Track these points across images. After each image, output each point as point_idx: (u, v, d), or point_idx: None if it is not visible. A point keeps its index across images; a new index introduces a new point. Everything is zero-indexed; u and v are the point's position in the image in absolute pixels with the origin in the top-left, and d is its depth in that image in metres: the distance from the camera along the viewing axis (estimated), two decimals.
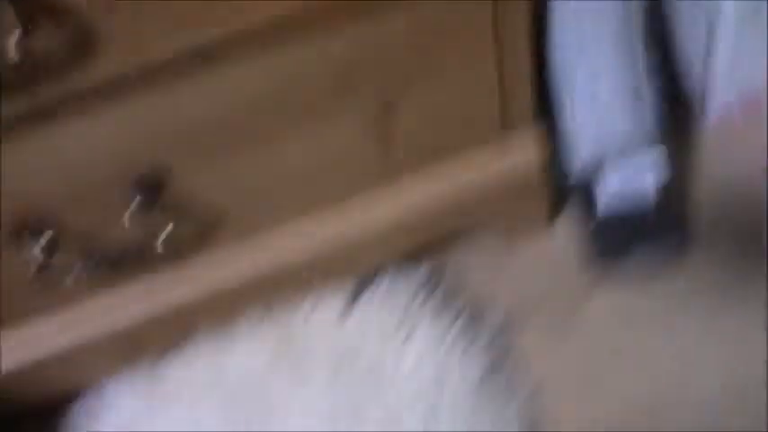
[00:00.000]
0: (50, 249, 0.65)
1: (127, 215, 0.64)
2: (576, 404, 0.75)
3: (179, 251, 0.72)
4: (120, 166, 0.64)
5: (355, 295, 0.78)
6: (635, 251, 0.79)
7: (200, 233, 0.71)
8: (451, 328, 0.77)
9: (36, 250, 0.64)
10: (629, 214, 0.77)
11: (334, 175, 0.72)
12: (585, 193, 0.77)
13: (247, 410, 0.75)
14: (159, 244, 0.67)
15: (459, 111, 0.71)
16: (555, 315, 0.79)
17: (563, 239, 0.82)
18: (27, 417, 0.76)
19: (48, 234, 0.64)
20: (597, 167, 0.76)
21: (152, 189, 0.65)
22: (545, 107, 0.76)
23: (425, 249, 0.81)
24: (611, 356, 0.77)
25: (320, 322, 0.77)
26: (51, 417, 0.77)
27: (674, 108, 0.81)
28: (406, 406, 0.74)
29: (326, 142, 0.69)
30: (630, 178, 0.76)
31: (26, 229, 0.64)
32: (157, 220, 0.67)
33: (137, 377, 0.78)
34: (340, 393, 0.74)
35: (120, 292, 0.74)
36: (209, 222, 0.71)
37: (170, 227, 0.67)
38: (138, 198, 0.64)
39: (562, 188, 0.81)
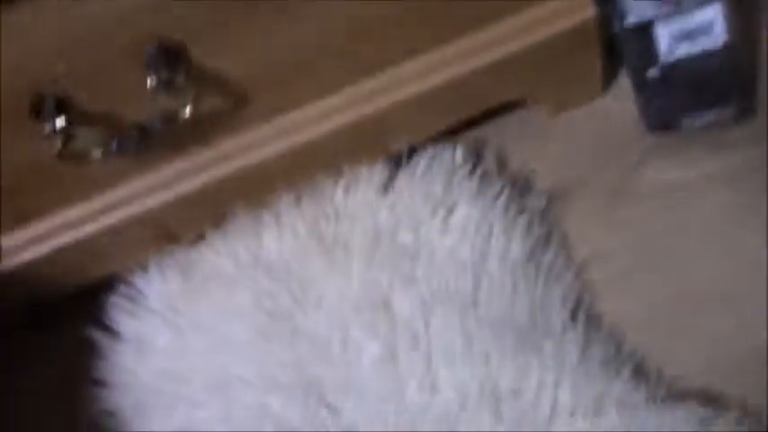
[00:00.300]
0: (71, 127, 0.62)
1: (146, 90, 0.61)
2: (622, 287, 0.72)
3: (207, 131, 0.70)
4: (131, 37, 0.60)
5: (391, 176, 0.75)
6: (692, 118, 0.73)
7: (227, 112, 0.69)
8: (492, 208, 0.73)
9: (56, 127, 0.62)
10: (687, 76, 0.70)
11: (366, 45, 0.67)
12: (640, 54, 0.71)
13: (282, 294, 0.73)
14: (184, 122, 0.64)
15: None
16: (603, 192, 0.75)
17: (614, 109, 0.77)
18: (63, 305, 0.76)
19: (67, 110, 0.62)
20: (654, 25, 0.69)
21: (170, 62, 0.62)
22: None
23: (465, 127, 0.76)
24: (663, 237, 0.73)
25: (355, 203, 0.74)
26: (88, 304, 0.76)
27: None
28: (443, 290, 0.71)
29: (356, 9, 0.64)
30: (691, 36, 0.69)
31: (43, 106, 0.62)
32: (180, 97, 0.64)
33: (172, 263, 0.76)
34: (376, 277, 0.72)
35: (150, 177, 0.72)
36: (236, 99, 0.68)
37: (193, 104, 0.64)
38: (154, 72, 0.61)
39: (614, 51, 0.74)
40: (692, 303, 0.70)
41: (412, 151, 0.75)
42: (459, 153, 0.76)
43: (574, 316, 0.71)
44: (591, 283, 0.73)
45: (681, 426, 0.63)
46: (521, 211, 0.74)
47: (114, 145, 0.64)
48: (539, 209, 0.75)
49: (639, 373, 0.68)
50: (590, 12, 0.70)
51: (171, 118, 0.64)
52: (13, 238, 0.72)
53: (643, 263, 0.73)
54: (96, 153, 0.65)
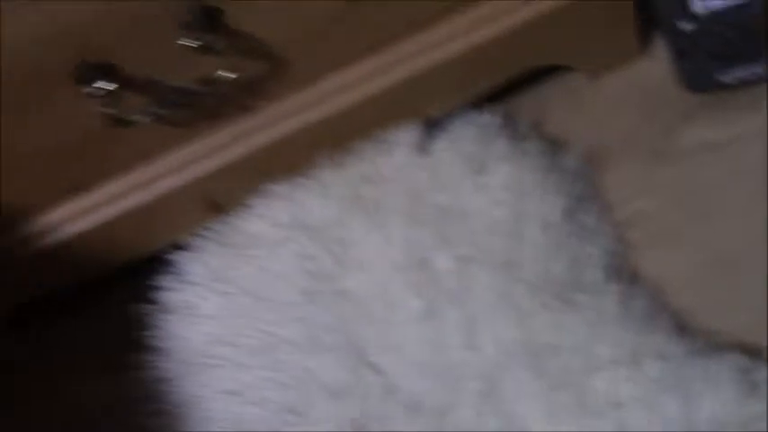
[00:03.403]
0: (115, 91, 0.64)
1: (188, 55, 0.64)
2: (662, 246, 0.71)
3: (248, 98, 0.71)
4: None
5: (427, 138, 0.76)
6: (731, 77, 0.72)
7: (267, 77, 0.70)
8: (527, 168, 0.74)
9: (101, 91, 0.64)
10: (725, 34, 0.70)
11: (399, 7, 0.68)
12: (674, 8, 0.70)
13: (324, 256, 0.74)
14: (226, 88, 0.66)
15: None
16: (641, 152, 0.75)
17: (652, 70, 0.76)
18: (110, 280, 0.78)
19: (112, 76, 0.64)
20: None
21: (206, 26, 0.64)
22: None
23: (500, 91, 0.77)
24: (702, 198, 0.72)
25: (393, 166, 0.75)
26: (131, 284, 0.78)
27: None
28: (479, 250, 0.71)
29: None
30: None
31: (88, 72, 0.64)
32: (220, 62, 0.65)
33: (212, 234, 0.78)
34: (415, 236, 0.73)
35: (196, 145, 0.74)
36: (274, 64, 0.69)
37: (232, 68, 0.66)
38: (192, 35, 0.63)
39: (651, 12, 0.74)
40: (732, 263, 0.69)
41: (448, 114, 0.76)
42: (493, 117, 0.76)
43: (613, 274, 0.70)
44: (631, 242, 0.72)
45: (721, 375, 0.62)
46: (557, 172, 0.74)
47: (158, 108, 0.66)
48: (576, 169, 0.75)
49: (680, 327, 0.68)
50: None
51: (212, 81, 0.66)
52: (60, 212, 0.74)
53: (683, 222, 0.72)
54: (142, 118, 0.67)
